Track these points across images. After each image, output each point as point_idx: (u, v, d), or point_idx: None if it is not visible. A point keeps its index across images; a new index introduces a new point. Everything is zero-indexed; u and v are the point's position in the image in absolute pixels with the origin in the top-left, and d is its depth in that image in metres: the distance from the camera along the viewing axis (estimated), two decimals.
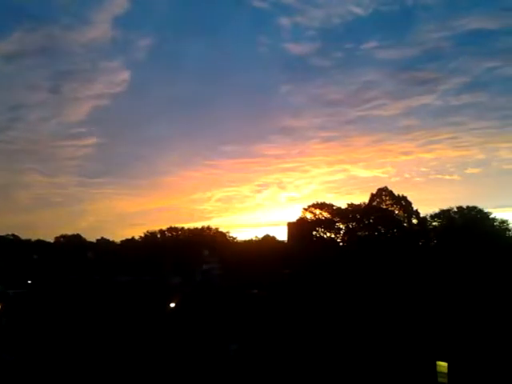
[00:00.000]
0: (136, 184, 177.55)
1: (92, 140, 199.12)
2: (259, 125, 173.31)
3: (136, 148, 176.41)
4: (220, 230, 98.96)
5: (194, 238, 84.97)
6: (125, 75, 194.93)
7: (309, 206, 58.93)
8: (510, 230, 58.40)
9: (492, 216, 57.44)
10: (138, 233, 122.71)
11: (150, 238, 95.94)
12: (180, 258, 62.25)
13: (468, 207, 57.54)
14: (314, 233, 56.82)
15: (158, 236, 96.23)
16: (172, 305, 45.56)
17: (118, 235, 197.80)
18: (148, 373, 33.29)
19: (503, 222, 58.29)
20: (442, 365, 28.72)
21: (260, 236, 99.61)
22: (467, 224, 52.68)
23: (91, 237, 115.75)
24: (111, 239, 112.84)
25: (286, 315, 41.02)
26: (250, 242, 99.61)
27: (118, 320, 44.66)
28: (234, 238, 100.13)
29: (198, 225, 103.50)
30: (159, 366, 35.20)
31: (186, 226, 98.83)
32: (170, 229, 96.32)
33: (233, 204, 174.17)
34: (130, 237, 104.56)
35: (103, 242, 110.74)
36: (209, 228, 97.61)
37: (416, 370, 29.08)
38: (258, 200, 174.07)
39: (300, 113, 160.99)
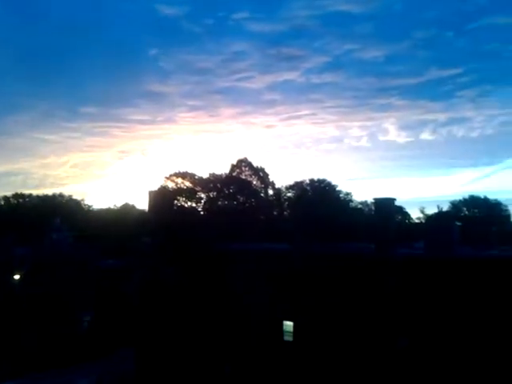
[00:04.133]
0: None
1: None
2: (124, 87, 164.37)
3: None
4: (74, 197, 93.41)
5: (44, 206, 78.81)
6: None
7: (170, 175, 58.32)
8: (352, 201, 65.30)
9: (338, 188, 63.51)
10: None
11: None
12: (27, 227, 57.35)
13: (319, 180, 62.48)
14: (176, 202, 56.41)
15: (2, 203, 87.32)
16: (16, 277, 41.94)
17: None
18: None
19: (347, 193, 65.14)
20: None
21: (119, 205, 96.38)
22: (317, 195, 57.40)
23: None
24: None
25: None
26: (108, 210, 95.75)
27: None
28: (90, 206, 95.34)
29: (50, 191, 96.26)
30: None
31: (36, 192, 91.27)
32: (16, 195, 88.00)
33: (91, 170, 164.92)
34: None
35: None
36: (61, 195, 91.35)
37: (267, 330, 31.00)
38: (119, 167, 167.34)
39: (168, 78, 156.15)
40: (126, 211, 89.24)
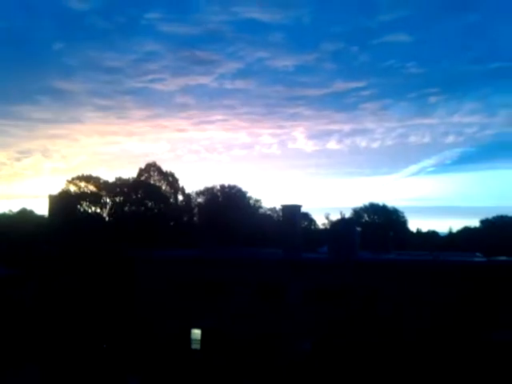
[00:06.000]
0: None
1: None
2: (25, 83, 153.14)
3: None
4: None
5: None
6: None
7: (73, 179, 55.34)
8: (261, 207, 66.56)
9: (249, 195, 64.38)
10: None
11: None
12: None
13: (229, 186, 62.84)
14: (79, 207, 53.67)
15: None
16: None
17: None
18: None
19: (257, 200, 66.29)
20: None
21: (15, 210, 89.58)
22: (228, 201, 57.70)
23: None
24: None
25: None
26: (3, 215, 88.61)
27: None
28: None
29: None
30: None
31: None
32: None
33: None
34: None
35: None
36: None
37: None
38: (17, 168, 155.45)
39: (73, 75, 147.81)
40: (24, 216, 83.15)
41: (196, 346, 31.14)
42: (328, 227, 63.30)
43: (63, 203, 50.13)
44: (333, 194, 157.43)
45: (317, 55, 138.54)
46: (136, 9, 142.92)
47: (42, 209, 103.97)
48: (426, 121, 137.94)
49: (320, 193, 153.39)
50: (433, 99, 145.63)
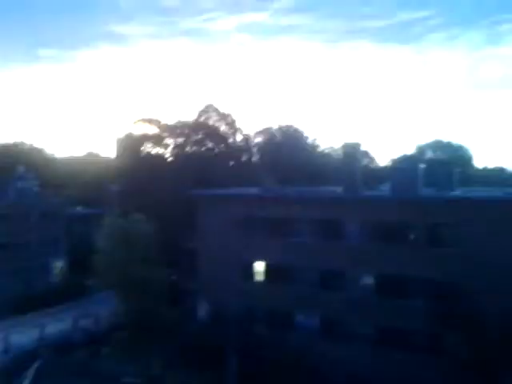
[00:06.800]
0: None
1: None
2: (83, 28, 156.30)
3: None
4: (35, 146, 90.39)
5: (6, 155, 76.03)
6: None
7: (136, 121, 56.89)
8: (319, 146, 66.34)
9: (305, 135, 63.96)
10: None
11: None
12: None
13: (287, 125, 62.53)
14: (142, 148, 55.49)
15: None
16: None
17: None
18: None
19: (315, 139, 65.87)
20: None
21: (82, 153, 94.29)
22: (286, 140, 57.81)
23: None
24: None
25: None
26: (72, 159, 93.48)
27: None
28: (52, 155, 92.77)
29: (10, 140, 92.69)
30: None
31: None
32: None
33: (52, 118, 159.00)
34: None
35: None
36: (22, 143, 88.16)
37: None
38: (83, 113, 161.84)
39: (130, 19, 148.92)
40: (91, 159, 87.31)
41: (260, 278, 32.71)
42: (390, 165, 62.03)
43: (128, 145, 52.07)
44: (396, 132, 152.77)
45: None
46: None
47: (107, 152, 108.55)
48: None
49: (383, 130, 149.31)
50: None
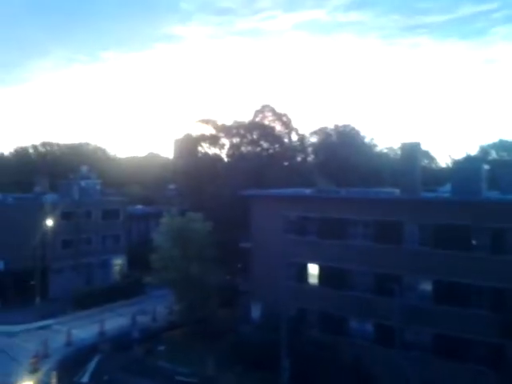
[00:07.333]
0: (3, 92, 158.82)
1: None
2: (143, 30, 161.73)
3: None
4: (99, 146, 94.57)
5: (72, 154, 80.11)
6: None
7: (194, 122, 58.01)
8: (377, 146, 64.61)
9: (362, 134, 62.50)
10: (7, 149, 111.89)
11: (21, 153, 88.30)
12: (56, 175, 58.70)
13: (344, 125, 61.39)
14: (200, 148, 56.49)
15: (31, 152, 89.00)
16: (48, 222, 43.40)
17: None
18: None
19: (372, 139, 64.30)
20: None
21: (143, 153, 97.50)
22: (342, 140, 56.76)
23: None
24: None
25: None
26: (133, 158, 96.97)
27: None
28: (115, 155, 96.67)
29: (76, 140, 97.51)
30: None
31: (62, 141, 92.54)
32: (44, 144, 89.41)
33: (114, 119, 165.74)
34: None
35: None
36: (87, 144, 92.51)
37: None
38: (143, 115, 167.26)
39: (188, 20, 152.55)
40: (151, 159, 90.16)
41: (313, 280, 32.37)
42: (451, 165, 59.55)
43: (186, 145, 53.16)
44: (457, 132, 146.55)
45: None
46: None
47: (166, 152, 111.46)
48: None
49: (444, 130, 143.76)
50: None
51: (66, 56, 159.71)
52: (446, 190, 31.89)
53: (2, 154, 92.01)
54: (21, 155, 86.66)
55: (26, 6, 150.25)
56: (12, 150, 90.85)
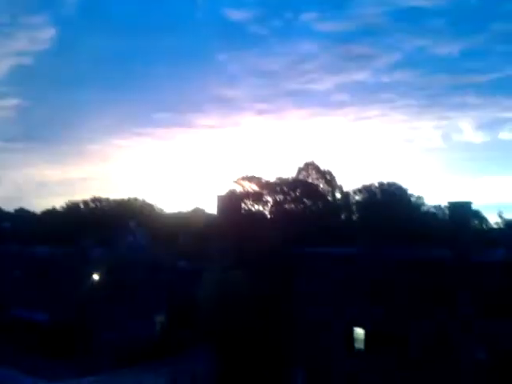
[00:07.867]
0: (59, 151, 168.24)
1: (13, 101, 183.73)
2: (193, 93, 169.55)
3: (60, 112, 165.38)
4: (147, 201, 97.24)
5: (120, 209, 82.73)
6: (50, 32, 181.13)
7: (238, 179, 59.02)
8: (424, 205, 62.78)
9: (410, 192, 61.18)
10: (59, 203, 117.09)
11: (72, 208, 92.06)
12: (104, 230, 60.45)
13: (388, 183, 60.59)
14: (243, 205, 57.06)
15: (82, 207, 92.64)
16: (94, 277, 44.32)
17: (38, 205, 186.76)
18: None
19: (419, 197, 62.58)
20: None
21: (189, 208, 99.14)
22: (387, 199, 55.76)
23: (9, 207, 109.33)
24: (31, 210, 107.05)
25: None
26: (179, 214, 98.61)
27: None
28: (162, 210, 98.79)
29: (125, 195, 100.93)
30: None
31: (112, 196, 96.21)
32: (94, 199, 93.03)
33: (162, 175, 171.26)
34: (51, 207, 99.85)
35: (22, 213, 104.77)
36: (135, 199, 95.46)
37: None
38: (189, 171, 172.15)
39: (235, 82, 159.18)
40: (197, 214, 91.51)
41: (359, 345, 30.95)
42: (502, 226, 56.97)
43: (230, 202, 53.77)
44: (507, 190, 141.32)
45: (485, 37, 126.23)
46: (291, 11, 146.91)
47: (211, 207, 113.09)
48: None
49: (492, 188, 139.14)
50: None
51: (118, 117, 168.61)
52: (500, 252, 30.34)
53: (54, 208, 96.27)
54: (71, 209, 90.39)
55: (84, 65, 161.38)
56: (63, 204, 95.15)
